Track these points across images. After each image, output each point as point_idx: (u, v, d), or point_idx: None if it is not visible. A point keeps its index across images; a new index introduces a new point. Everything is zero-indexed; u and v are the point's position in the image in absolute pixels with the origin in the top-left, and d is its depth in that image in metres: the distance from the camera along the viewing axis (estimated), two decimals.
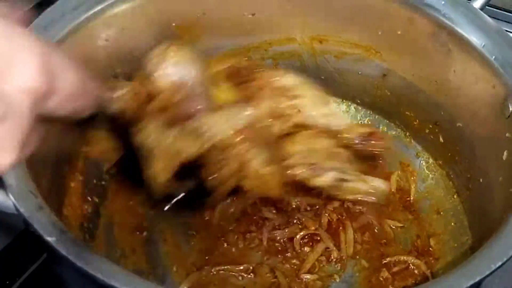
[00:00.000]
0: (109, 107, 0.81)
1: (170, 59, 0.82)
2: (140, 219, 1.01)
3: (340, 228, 1.03)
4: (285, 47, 1.11)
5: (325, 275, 0.98)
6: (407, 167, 1.12)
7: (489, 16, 0.96)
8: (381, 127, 1.15)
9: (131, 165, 0.87)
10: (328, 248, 1.00)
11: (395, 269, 0.98)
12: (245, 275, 0.96)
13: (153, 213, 1.01)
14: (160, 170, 0.82)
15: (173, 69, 0.82)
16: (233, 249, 0.99)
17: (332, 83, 1.14)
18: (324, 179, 0.91)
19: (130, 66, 0.95)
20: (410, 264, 0.99)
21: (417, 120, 1.10)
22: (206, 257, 0.98)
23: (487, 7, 1.01)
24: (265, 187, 0.86)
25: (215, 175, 0.83)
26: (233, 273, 0.96)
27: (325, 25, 1.07)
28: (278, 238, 1.01)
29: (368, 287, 0.97)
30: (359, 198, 0.99)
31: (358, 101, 1.16)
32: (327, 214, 1.03)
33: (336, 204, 1.04)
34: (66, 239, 0.65)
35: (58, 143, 0.87)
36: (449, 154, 1.04)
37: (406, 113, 1.11)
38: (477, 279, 0.66)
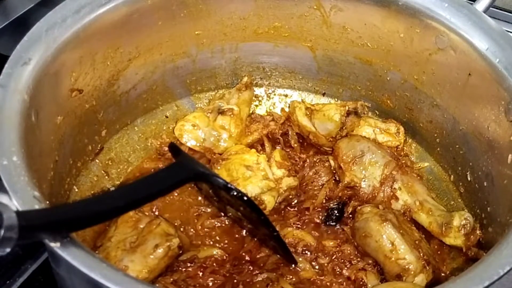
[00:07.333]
0: None
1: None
2: None
3: None
4: None
5: None
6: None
7: (489, 16, 0.95)
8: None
9: None
10: None
11: None
12: None
13: None
14: None
15: None
16: None
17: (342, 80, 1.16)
18: None
19: None
20: None
21: (420, 124, 1.10)
22: None
23: None
24: None
25: None
26: None
27: None
28: None
29: None
30: None
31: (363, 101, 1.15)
32: None
33: None
34: (71, 245, 0.65)
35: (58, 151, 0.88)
36: (453, 157, 1.04)
37: (408, 115, 1.11)
38: (486, 283, 0.66)
